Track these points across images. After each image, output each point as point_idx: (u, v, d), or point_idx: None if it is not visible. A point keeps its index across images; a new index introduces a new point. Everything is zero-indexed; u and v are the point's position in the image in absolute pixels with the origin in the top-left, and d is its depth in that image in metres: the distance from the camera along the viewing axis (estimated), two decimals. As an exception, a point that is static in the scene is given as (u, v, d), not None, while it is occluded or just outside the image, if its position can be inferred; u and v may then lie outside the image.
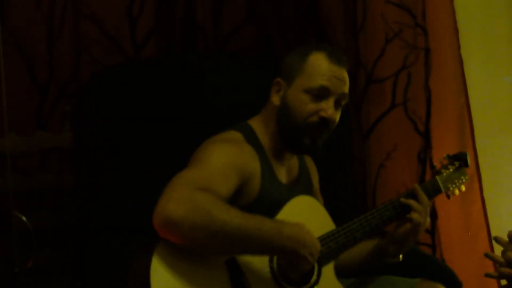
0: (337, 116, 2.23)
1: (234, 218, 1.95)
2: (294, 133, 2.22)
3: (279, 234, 1.99)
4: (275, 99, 2.24)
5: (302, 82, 2.21)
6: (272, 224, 2.02)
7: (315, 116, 2.20)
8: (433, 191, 2.36)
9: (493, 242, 2.29)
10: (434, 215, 3.15)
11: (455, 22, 3.16)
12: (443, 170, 2.41)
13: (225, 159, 2.09)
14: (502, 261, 2.15)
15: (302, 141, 2.23)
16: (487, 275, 2.18)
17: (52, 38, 2.78)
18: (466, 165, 2.44)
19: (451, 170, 2.42)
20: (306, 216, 2.20)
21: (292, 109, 2.21)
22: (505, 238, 2.19)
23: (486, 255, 2.22)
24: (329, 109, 2.20)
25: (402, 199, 2.26)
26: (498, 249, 2.22)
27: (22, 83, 2.75)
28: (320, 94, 2.19)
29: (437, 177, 2.38)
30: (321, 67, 2.21)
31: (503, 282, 2.19)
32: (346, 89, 2.23)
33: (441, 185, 2.37)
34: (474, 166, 3.21)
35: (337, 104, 2.22)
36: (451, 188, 2.41)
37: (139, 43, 2.87)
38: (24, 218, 2.58)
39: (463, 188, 2.43)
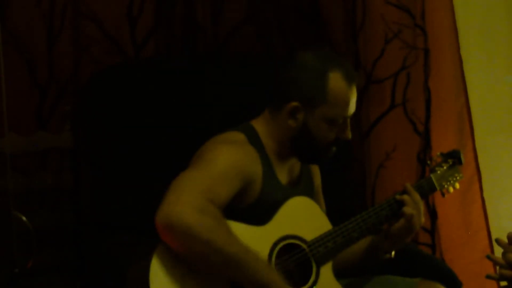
0: None
1: (234, 244, 1.96)
2: (314, 154, 2.25)
3: (268, 275, 2.00)
4: (292, 122, 2.21)
5: (326, 113, 2.19)
6: (266, 264, 2.05)
7: (333, 139, 2.23)
8: (428, 189, 2.36)
9: (494, 242, 2.29)
10: (434, 215, 3.15)
11: (454, 22, 3.15)
12: (437, 168, 2.40)
13: (228, 162, 2.08)
14: (502, 263, 2.15)
15: (321, 158, 2.28)
16: (488, 277, 2.18)
17: (52, 38, 2.78)
18: (460, 163, 2.44)
19: (445, 168, 2.41)
20: (303, 216, 2.21)
21: (313, 135, 2.21)
22: (505, 239, 2.19)
23: (487, 257, 2.21)
24: (349, 132, 2.24)
25: (397, 196, 2.27)
26: (498, 249, 2.22)
27: (22, 83, 2.75)
28: (342, 122, 2.22)
29: (432, 175, 2.38)
30: (344, 97, 2.19)
31: (503, 283, 2.20)
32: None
33: (435, 183, 2.37)
34: (474, 166, 3.21)
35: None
36: (445, 186, 2.40)
37: (139, 43, 2.87)
38: (24, 218, 2.59)
39: (457, 185, 2.43)
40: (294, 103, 2.19)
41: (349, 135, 2.24)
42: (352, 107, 2.22)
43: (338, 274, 2.25)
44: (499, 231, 3.09)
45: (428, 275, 2.40)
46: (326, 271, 2.19)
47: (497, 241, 2.21)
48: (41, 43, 2.77)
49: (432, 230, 3.16)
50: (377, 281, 2.37)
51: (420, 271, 2.46)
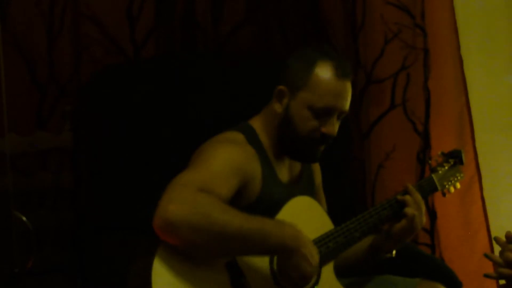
0: (337, 129, 2.23)
1: (234, 218, 1.94)
2: (294, 145, 2.23)
3: (280, 232, 1.99)
4: (277, 107, 2.21)
5: (306, 98, 2.18)
6: (273, 223, 2.03)
7: (316, 132, 2.20)
8: (429, 189, 2.37)
9: (493, 242, 2.29)
10: (433, 215, 3.15)
11: (454, 22, 3.16)
12: (438, 168, 2.41)
13: (226, 161, 2.08)
14: (500, 262, 2.16)
15: (302, 152, 2.24)
16: (486, 276, 2.19)
17: (52, 38, 2.78)
18: (461, 163, 2.44)
19: (446, 167, 2.42)
20: (305, 216, 2.20)
21: (294, 123, 2.20)
22: (504, 238, 2.19)
23: (486, 256, 2.22)
24: (331, 127, 2.20)
25: (399, 196, 2.27)
26: (498, 249, 2.23)
27: (22, 83, 2.75)
28: (324, 112, 2.19)
29: (433, 175, 2.38)
30: (327, 85, 2.17)
31: (502, 282, 2.20)
32: (348, 105, 2.22)
33: (436, 183, 2.38)
34: (474, 166, 3.21)
35: (337, 118, 2.22)
36: (446, 186, 2.41)
37: (139, 43, 2.88)
38: (24, 218, 2.59)
39: (458, 185, 2.43)
40: (281, 87, 2.21)
41: (332, 130, 2.19)
42: (337, 100, 2.18)
43: (339, 273, 2.25)
44: (499, 231, 3.06)
45: (428, 275, 2.41)
46: (328, 271, 2.19)
47: (496, 239, 2.22)
48: (41, 43, 2.77)
49: (432, 230, 3.16)
50: (377, 281, 2.37)
51: (420, 271, 2.46)
